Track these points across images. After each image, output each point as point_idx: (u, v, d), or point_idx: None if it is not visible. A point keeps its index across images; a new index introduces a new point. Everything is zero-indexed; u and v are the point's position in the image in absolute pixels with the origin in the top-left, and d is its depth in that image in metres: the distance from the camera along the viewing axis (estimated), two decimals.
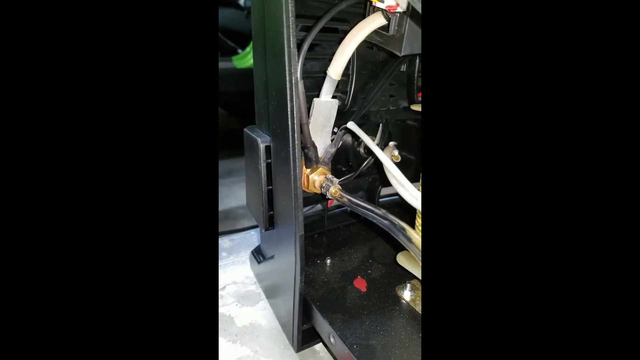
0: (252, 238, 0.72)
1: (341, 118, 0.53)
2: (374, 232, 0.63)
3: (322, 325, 0.43)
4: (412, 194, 0.39)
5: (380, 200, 0.69)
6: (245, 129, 0.49)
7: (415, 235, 0.37)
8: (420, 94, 0.63)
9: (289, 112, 0.38)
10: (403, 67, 0.60)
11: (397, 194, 0.49)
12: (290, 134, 0.39)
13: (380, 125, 0.59)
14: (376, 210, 0.40)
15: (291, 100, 0.38)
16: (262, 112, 0.47)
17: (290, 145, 0.39)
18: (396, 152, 0.54)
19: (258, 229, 0.72)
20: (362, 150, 0.61)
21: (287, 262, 0.45)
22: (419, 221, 0.47)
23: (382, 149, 0.57)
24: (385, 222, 0.39)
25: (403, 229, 0.38)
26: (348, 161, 0.62)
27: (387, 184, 0.66)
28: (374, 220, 0.41)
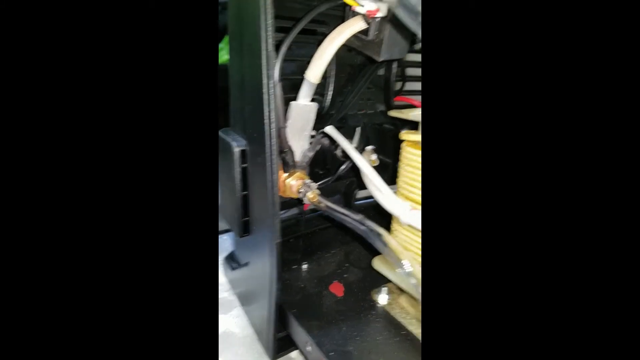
0: (225, 243, 0.70)
1: (319, 121, 0.52)
2: (350, 235, 0.63)
3: (299, 333, 0.42)
4: (391, 201, 0.39)
5: (357, 202, 0.69)
6: (219, 132, 0.48)
7: (392, 241, 0.37)
8: (397, 98, 0.63)
9: (265, 116, 0.37)
10: (381, 71, 0.60)
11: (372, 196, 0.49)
12: (267, 138, 0.37)
13: (358, 129, 0.59)
14: (353, 216, 0.40)
15: (268, 104, 0.37)
16: (237, 114, 0.45)
17: (267, 151, 0.37)
18: (374, 157, 0.54)
19: (231, 234, 0.70)
20: (339, 153, 0.61)
21: (262, 269, 0.44)
22: (395, 226, 0.47)
23: (360, 153, 0.57)
24: (362, 227, 0.39)
25: (379, 234, 0.38)
26: (325, 164, 0.61)
27: (364, 186, 0.66)
28: (351, 226, 0.40)
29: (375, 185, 0.40)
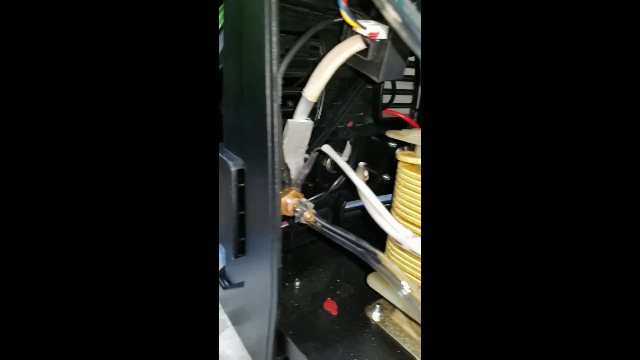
0: None
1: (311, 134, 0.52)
2: (339, 248, 0.63)
3: (298, 357, 0.42)
4: (392, 226, 0.39)
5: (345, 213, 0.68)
6: None
7: (388, 262, 0.37)
8: (385, 111, 0.64)
9: (268, 142, 0.36)
10: (369, 85, 0.60)
11: (360, 207, 0.48)
12: (269, 166, 0.36)
13: (348, 143, 0.59)
14: (349, 237, 0.40)
15: (272, 128, 0.35)
16: (233, 132, 0.44)
17: (270, 179, 0.36)
18: (366, 173, 0.54)
19: (221, 248, 0.68)
20: (328, 166, 0.60)
21: (260, 292, 0.43)
22: (390, 244, 0.47)
23: (354, 170, 0.57)
24: (360, 250, 0.39)
25: (376, 255, 0.38)
26: (315, 177, 0.61)
27: (351, 198, 0.66)
28: (346, 247, 0.40)
29: (376, 209, 0.40)
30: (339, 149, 0.60)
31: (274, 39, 0.33)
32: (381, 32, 0.39)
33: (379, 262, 0.37)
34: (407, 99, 0.65)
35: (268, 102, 0.35)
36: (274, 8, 0.32)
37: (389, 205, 0.45)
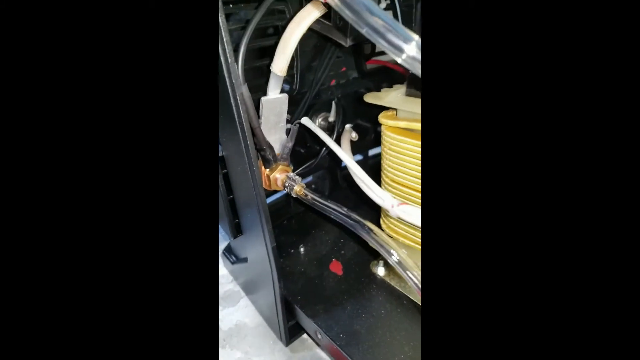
0: (220, 233, 0.71)
1: (292, 103, 0.50)
2: None
3: (307, 322, 0.45)
4: (378, 194, 0.39)
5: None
6: None
7: (377, 230, 0.38)
8: (369, 62, 0.61)
9: (237, 125, 0.35)
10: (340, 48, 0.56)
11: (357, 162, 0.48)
12: (244, 148, 0.36)
13: (334, 104, 0.57)
14: (341, 210, 0.41)
15: (238, 112, 0.35)
16: None
17: (247, 161, 0.36)
18: (354, 134, 0.53)
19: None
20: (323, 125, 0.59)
21: (262, 269, 0.45)
22: (384, 212, 0.47)
23: (341, 132, 0.56)
24: (351, 221, 0.40)
25: (365, 226, 0.38)
26: (306, 142, 0.60)
27: None
28: (338, 219, 0.41)
29: (362, 180, 0.40)
30: (326, 110, 0.59)
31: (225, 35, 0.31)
32: None
33: (369, 232, 0.38)
34: None
35: (229, 86, 0.34)
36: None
37: None
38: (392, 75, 0.62)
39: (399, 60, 0.24)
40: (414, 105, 0.38)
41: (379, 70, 0.62)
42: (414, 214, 0.36)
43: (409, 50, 0.23)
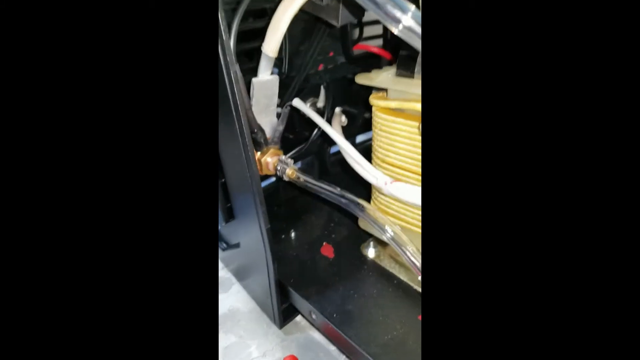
0: None
1: (281, 87, 0.50)
2: None
3: (301, 303, 0.45)
4: (371, 173, 0.39)
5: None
6: None
7: (371, 208, 0.38)
8: (356, 47, 0.61)
9: (232, 105, 0.35)
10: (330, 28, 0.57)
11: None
12: (237, 129, 0.36)
13: (322, 88, 0.57)
14: (333, 190, 0.41)
15: (232, 91, 0.34)
16: None
17: (241, 143, 0.36)
18: (344, 118, 0.53)
19: None
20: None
21: (256, 253, 0.45)
22: (374, 194, 0.48)
23: (330, 116, 0.56)
24: (344, 201, 0.40)
25: (359, 204, 0.39)
26: (294, 127, 0.60)
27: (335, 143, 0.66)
28: (331, 199, 0.41)
29: (354, 159, 0.40)
30: (315, 95, 0.59)
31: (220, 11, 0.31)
32: None
33: (362, 210, 0.38)
34: (378, 29, 0.62)
35: (224, 68, 0.33)
36: None
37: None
38: (379, 60, 0.63)
39: (395, 32, 0.24)
40: (405, 86, 0.39)
41: (367, 56, 0.62)
42: (407, 191, 0.37)
43: (405, 20, 0.23)
